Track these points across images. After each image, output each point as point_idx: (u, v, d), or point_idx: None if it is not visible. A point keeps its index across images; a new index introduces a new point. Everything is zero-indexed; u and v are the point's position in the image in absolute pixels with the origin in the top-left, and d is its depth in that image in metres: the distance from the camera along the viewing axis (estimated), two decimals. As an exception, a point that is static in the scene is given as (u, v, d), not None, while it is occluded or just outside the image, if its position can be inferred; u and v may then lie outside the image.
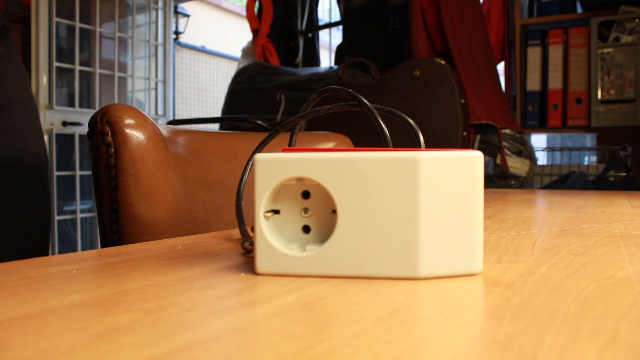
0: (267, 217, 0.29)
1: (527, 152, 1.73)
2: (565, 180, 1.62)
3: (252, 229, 0.46)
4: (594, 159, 2.12)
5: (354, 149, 0.28)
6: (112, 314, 0.21)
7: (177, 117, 2.82)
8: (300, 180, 0.29)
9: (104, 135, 0.53)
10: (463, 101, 1.68)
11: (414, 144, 1.72)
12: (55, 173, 2.16)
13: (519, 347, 0.18)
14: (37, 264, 0.33)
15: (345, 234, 0.27)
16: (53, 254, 2.14)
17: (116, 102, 2.36)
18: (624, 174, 1.67)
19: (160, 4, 2.69)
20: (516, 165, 1.70)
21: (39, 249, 0.66)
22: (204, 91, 3.09)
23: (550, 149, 2.02)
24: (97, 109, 0.62)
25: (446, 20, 1.79)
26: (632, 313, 0.22)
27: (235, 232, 0.48)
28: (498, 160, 1.69)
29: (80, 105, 2.28)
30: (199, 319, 0.21)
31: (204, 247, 0.39)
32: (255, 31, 2.47)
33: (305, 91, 2.04)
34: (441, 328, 0.20)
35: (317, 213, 0.29)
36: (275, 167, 0.28)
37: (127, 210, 0.53)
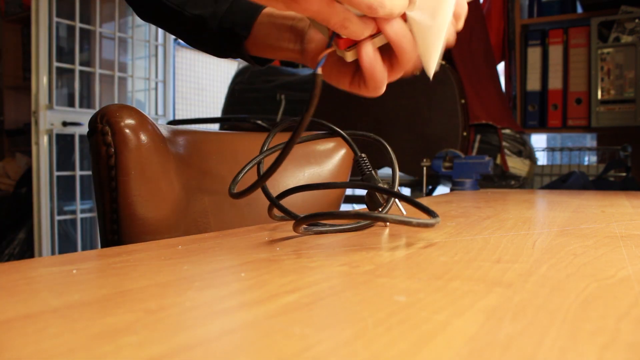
0: None
1: (527, 152, 1.73)
2: (565, 181, 1.62)
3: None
4: (594, 159, 2.12)
5: None
6: (112, 314, 0.21)
7: (177, 117, 2.82)
8: None
9: (104, 136, 0.53)
10: (463, 101, 1.69)
11: (415, 142, 1.72)
12: (56, 173, 2.16)
13: (519, 347, 0.18)
14: (37, 264, 0.33)
15: None
16: (53, 254, 2.14)
17: (116, 102, 2.36)
18: (624, 174, 1.67)
19: (160, 4, 2.68)
20: (516, 165, 1.70)
21: None
22: (204, 91, 3.09)
23: (550, 149, 2.02)
24: (97, 109, 0.62)
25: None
26: (632, 313, 0.22)
27: (235, 233, 0.48)
28: (498, 161, 1.69)
29: (80, 106, 2.28)
30: (199, 319, 0.21)
31: (204, 247, 0.39)
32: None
33: (306, 91, 2.04)
34: (441, 328, 0.20)
35: None
36: None
37: (127, 210, 0.53)
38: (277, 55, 0.53)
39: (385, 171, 1.80)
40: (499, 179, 1.71)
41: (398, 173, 0.55)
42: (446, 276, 0.28)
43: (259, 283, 0.27)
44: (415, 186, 1.70)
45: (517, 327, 0.20)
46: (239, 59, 0.57)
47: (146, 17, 0.57)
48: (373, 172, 0.53)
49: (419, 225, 0.39)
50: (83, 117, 2.28)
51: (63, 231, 2.28)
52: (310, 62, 0.50)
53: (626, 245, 0.39)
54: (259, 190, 0.48)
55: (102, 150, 0.53)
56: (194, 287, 0.26)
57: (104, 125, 0.53)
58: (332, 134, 0.58)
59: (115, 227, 0.53)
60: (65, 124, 2.22)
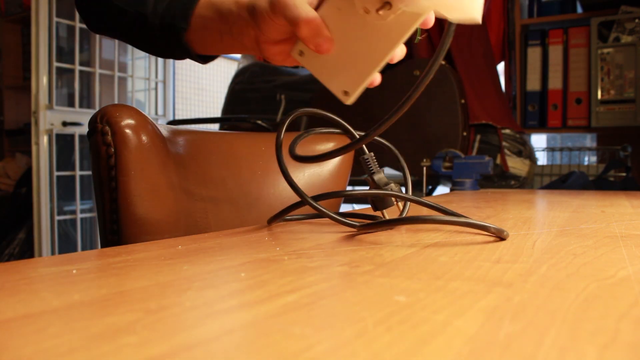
0: None
1: (527, 152, 1.73)
2: (565, 181, 1.62)
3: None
4: (594, 159, 2.12)
5: None
6: (112, 314, 0.21)
7: (177, 117, 2.82)
8: None
9: (104, 136, 0.53)
10: (463, 101, 1.68)
11: (414, 142, 1.72)
12: (56, 173, 2.16)
13: (519, 347, 0.18)
14: (37, 264, 0.33)
15: None
16: (53, 254, 2.14)
17: (116, 102, 2.36)
18: (624, 174, 1.67)
19: (160, 4, 2.68)
20: (516, 165, 1.70)
21: None
22: (204, 91, 3.09)
23: (550, 149, 2.02)
24: (97, 109, 0.62)
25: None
26: (632, 313, 0.22)
27: (235, 233, 0.48)
28: (498, 160, 1.69)
29: (80, 105, 2.28)
30: (199, 319, 0.21)
31: (204, 247, 0.39)
32: (255, 31, 2.46)
33: (306, 91, 2.04)
34: (441, 328, 0.20)
35: None
36: None
37: (127, 210, 0.53)
38: (223, 48, 0.51)
39: (385, 171, 1.80)
40: (499, 179, 1.71)
41: (409, 178, 0.55)
42: (446, 276, 0.28)
43: (259, 283, 0.27)
44: (415, 186, 1.70)
45: (517, 327, 0.20)
46: (240, 59, 0.56)
47: (95, 28, 0.57)
48: (382, 171, 0.53)
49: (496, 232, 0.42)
50: (83, 117, 2.28)
51: (63, 231, 2.28)
52: (265, 51, 0.48)
53: (626, 245, 0.39)
54: (260, 191, 0.48)
55: (102, 150, 0.53)
56: (194, 287, 0.26)
57: (104, 125, 0.53)
58: (345, 133, 0.58)
59: (115, 227, 0.53)
60: (65, 124, 2.22)
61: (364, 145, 0.54)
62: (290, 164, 0.80)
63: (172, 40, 0.52)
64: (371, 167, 0.52)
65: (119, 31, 0.56)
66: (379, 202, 0.51)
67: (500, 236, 0.42)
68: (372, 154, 0.53)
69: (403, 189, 0.55)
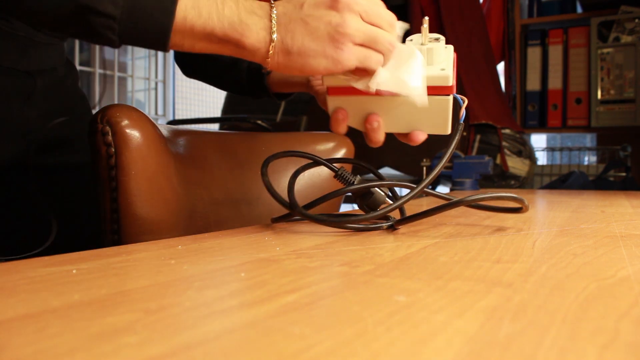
0: None
1: (527, 152, 1.73)
2: (565, 180, 1.62)
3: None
4: (594, 159, 2.12)
5: None
6: (112, 314, 0.21)
7: (177, 117, 2.82)
8: None
9: (104, 136, 0.53)
10: (463, 101, 1.68)
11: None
12: (55, 173, 2.16)
13: (519, 347, 0.18)
14: (37, 264, 0.33)
15: None
16: (53, 254, 2.14)
17: (116, 102, 2.36)
18: (624, 174, 1.68)
19: (160, 4, 2.68)
20: (516, 165, 1.70)
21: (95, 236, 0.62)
22: (204, 91, 3.09)
23: (550, 149, 2.02)
24: (97, 109, 0.62)
25: (446, 20, 1.78)
26: (632, 313, 0.22)
27: (235, 233, 0.48)
28: (498, 160, 1.69)
29: (80, 105, 2.28)
30: (199, 319, 0.21)
31: (204, 247, 0.39)
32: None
33: (305, 91, 2.03)
34: (441, 328, 0.20)
35: None
36: None
37: (127, 210, 0.53)
38: (292, 89, 0.67)
39: (386, 171, 1.80)
40: (499, 179, 1.71)
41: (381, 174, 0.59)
42: (446, 276, 0.28)
43: (259, 283, 0.27)
44: (415, 186, 1.70)
45: (517, 327, 0.20)
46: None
47: (190, 74, 0.71)
48: (358, 177, 0.54)
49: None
50: (83, 117, 2.28)
51: (63, 231, 2.27)
52: (316, 94, 0.62)
53: (626, 245, 0.39)
54: (260, 190, 0.48)
55: (102, 150, 0.53)
56: (194, 287, 0.26)
57: (104, 125, 0.53)
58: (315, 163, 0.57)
59: (115, 227, 0.53)
60: (65, 124, 2.21)
61: (331, 164, 0.55)
62: (291, 162, 0.80)
63: (255, 81, 0.66)
64: (347, 178, 0.53)
65: (209, 76, 0.71)
66: (370, 203, 0.52)
67: (522, 205, 0.46)
68: (342, 166, 0.54)
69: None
